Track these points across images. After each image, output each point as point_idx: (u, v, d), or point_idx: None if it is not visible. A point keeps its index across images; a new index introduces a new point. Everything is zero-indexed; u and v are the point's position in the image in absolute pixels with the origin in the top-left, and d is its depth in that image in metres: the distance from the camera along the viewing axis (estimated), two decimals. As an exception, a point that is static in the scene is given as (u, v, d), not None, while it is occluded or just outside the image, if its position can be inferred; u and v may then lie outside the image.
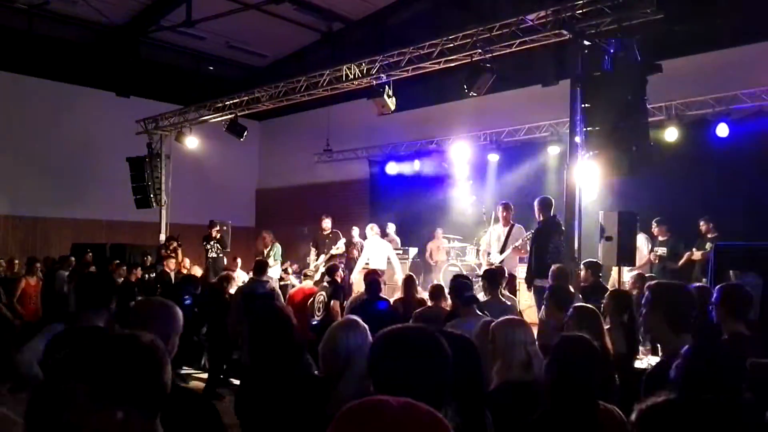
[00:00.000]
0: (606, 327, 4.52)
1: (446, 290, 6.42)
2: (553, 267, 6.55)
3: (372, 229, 11.36)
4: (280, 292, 8.16)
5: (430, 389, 1.59)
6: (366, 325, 2.81)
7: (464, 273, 11.34)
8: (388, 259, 11.00)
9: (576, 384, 2.39)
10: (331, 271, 8.56)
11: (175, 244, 12.49)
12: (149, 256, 13.16)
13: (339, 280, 8.35)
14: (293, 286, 12.59)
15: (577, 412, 2.36)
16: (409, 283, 6.93)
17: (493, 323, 3.22)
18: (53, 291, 10.84)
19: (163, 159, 14.34)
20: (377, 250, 11.08)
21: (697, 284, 6.85)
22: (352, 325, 2.78)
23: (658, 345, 3.63)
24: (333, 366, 2.65)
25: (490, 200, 13.00)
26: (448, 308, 6.51)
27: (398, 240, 13.28)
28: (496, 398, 2.69)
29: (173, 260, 11.33)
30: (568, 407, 2.38)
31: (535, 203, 8.18)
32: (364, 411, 1.05)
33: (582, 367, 2.40)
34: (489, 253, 9.47)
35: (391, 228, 13.45)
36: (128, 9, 15.66)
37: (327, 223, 12.11)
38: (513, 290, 8.50)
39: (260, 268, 8.53)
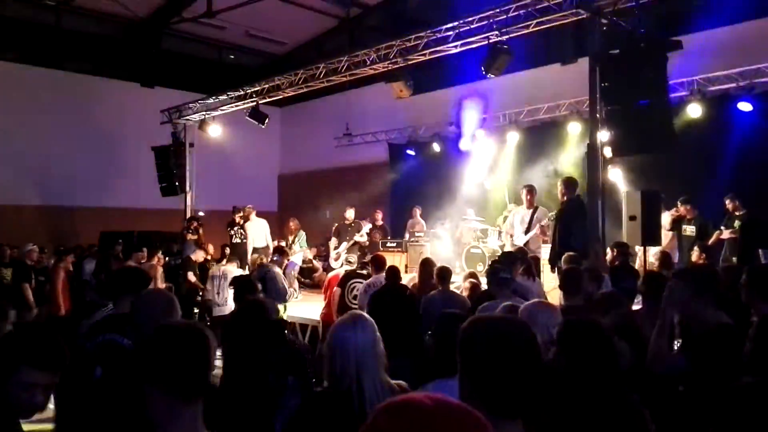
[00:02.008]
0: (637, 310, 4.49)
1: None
2: (564, 256, 6.51)
3: (252, 209, 12.53)
4: (273, 274, 8.16)
5: (521, 387, 1.60)
6: (373, 320, 2.56)
7: (486, 255, 11.48)
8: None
9: (587, 369, 2.32)
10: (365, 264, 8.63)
11: (196, 223, 12.66)
12: (176, 244, 13.37)
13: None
14: (316, 270, 12.85)
15: (593, 399, 2.30)
16: (425, 266, 6.93)
17: (522, 306, 3.18)
18: (80, 280, 11.00)
19: (188, 147, 14.51)
20: (258, 229, 12.34)
21: (726, 264, 6.81)
22: (359, 322, 2.50)
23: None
24: (345, 371, 2.39)
25: (510, 181, 13.01)
26: (462, 291, 6.55)
27: (423, 223, 13.31)
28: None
29: (201, 252, 11.49)
30: (583, 394, 2.31)
31: (559, 183, 8.12)
32: (399, 410, 1.02)
33: (590, 352, 2.34)
34: (512, 235, 9.47)
35: (417, 211, 13.50)
36: (151, 2, 15.85)
37: (350, 213, 12.26)
38: (537, 272, 8.48)
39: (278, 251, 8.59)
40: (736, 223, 9.24)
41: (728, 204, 9.52)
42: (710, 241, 9.55)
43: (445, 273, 6.35)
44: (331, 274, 8.74)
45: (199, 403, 1.74)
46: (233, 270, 9.15)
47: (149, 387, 1.71)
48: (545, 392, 2.46)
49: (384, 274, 6.83)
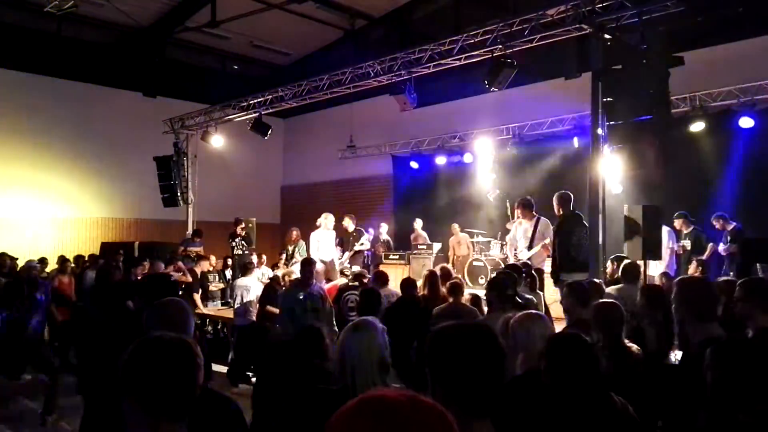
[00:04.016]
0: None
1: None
2: (625, 263, 6.39)
3: (326, 218, 11.30)
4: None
5: (489, 387, 1.67)
6: (383, 326, 2.71)
7: (488, 267, 11.48)
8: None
9: (571, 380, 2.48)
10: (359, 276, 8.61)
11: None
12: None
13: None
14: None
15: (579, 406, 2.43)
16: (432, 279, 6.91)
17: (512, 319, 3.30)
18: (82, 290, 10.88)
19: (190, 158, 14.55)
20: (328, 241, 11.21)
21: (724, 278, 6.82)
22: (361, 327, 2.69)
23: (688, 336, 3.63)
24: (343, 373, 2.58)
25: (513, 194, 13.02)
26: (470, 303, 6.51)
27: (425, 235, 13.29)
28: (522, 384, 2.79)
29: (205, 262, 11.40)
30: (570, 402, 2.45)
31: (554, 199, 8.18)
32: (368, 407, 1.05)
33: (573, 364, 2.50)
34: (516, 248, 9.45)
35: (418, 224, 13.48)
36: (154, 11, 15.89)
37: (347, 222, 12.21)
38: (541, 284, 8.47)
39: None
40: (728, 237, 9.38)
41: (716, 225, 9.60)
42: (706, 255, 9.62)
43: (456, 286, 6.30)
44: (327, 286, 8.71)
45: (182, 423, 1.72)
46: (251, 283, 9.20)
47: (130, 403, 1.69)
48: (534, 401, 2.55)
49: (387, 286, 6.86)
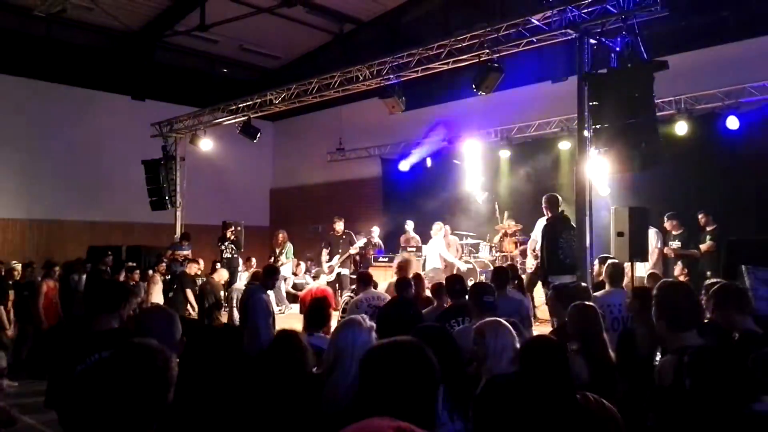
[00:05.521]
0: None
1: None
2: (611, 266, 6.25)
3: (438, 228, 11.76)
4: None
5: (417, 401, 1.69)
6: (371, 324, 2.91)
7: (477, 269, 11.57)
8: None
9: (542, 381, 2.57)
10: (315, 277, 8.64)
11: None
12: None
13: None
14: (308, 283, 12.78)
15: (549, 406, 2.51)
16: (416, 281, 6.93)
17: (479, 324, 3.30)
18: (68, 294, 10.85)
19: (178, 161, 14.51)
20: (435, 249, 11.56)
21: (711, 280, 6.90)
22: (347, 324, 2.91)
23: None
24: (326, 363, 2.83)
25: (501, 196, 13.16)
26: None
27: (418, 237, 13.35)
28: (489, 392, 2.81)
29: (194, 265, 11.35)
30: (541, 402, 2.53)
31: (543, 201, 8.31)
32: None
33: (545, 366, 2.59)
34: (534, 248, 9.60)
35: (409, 225, 13.50)
36: (143, 15, 15.88)
37: (339, 225, 12.23)
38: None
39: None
40: (708, 238, 9.48)
41: (701, 219, 9.74)
42: (697, 255, 9.72)
43: (440, 289, 6.29)
44: (303, 291, 8.76)
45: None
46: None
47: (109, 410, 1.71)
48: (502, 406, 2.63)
49: (371, 288, 6.86)
